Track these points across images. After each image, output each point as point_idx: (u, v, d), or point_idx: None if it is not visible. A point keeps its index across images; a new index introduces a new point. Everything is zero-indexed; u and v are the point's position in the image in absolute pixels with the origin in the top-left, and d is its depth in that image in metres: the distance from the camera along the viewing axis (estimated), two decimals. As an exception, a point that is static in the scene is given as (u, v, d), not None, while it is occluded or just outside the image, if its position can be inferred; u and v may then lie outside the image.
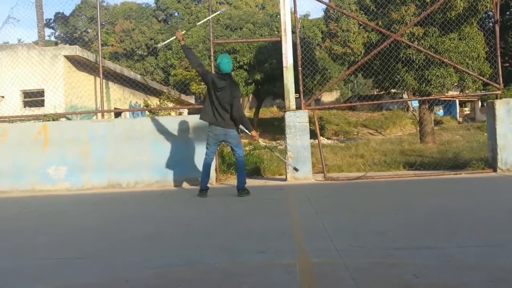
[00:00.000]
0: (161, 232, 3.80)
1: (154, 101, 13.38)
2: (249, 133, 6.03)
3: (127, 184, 7.32)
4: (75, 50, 11.41)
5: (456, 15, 13.86)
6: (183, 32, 6.07)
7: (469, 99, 38.27)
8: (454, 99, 34.89)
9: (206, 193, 5.85)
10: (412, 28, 14.49)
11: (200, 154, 6.62)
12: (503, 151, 7.17)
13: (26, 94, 11.50)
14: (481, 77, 10.54)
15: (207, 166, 5.94)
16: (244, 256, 2.89)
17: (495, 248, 2.85)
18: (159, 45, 7.84)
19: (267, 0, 42.11)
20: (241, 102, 5.80)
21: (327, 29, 17.91)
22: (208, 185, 5.94)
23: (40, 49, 11.54)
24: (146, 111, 11.88)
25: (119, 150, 7.38)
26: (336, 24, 16.74)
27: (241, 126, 5.96)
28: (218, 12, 7.73)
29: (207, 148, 5.95)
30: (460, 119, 35.90)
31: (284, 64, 7.51)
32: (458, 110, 39.03)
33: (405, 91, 17.85)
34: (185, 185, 7.22)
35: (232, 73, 5.94)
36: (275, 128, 24.02)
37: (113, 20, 37.84)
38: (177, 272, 2.61)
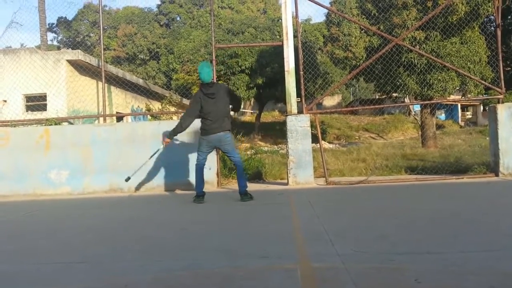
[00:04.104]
0: (161, 237, 3.79)
1: (156, 105, 13.42)
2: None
3: (128, 188, 7.31)
4: (78, 55, 11.47)
5: (457, 19, 13.88)
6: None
7: (471, 103, 38.25)
8: (456, 103, 34.85)
9: (203, 199, 5.75)
10: (414, 33, 14.50)
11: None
12: (505, 156, 7.14)
13: (29, 98, 11.56)
14: (483, 81, 10.52)
15: (200, 170, 5.88)
16: (244, 260, 2.88)
17: (496, 253, 2.83)
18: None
19: (269, 4, 42.28)
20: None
21: (329, 33, 17.95)
22: (210, 190, 5.90)
23: (42, 53, 11.61)
24: (148, 115, 11.92)
25: (120, 154, 7.38)
26: (337, 29, 16.78)
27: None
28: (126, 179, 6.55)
29: (199, 154, 5.92)
30: (462, 123, 35.87)
31: (285, 68, 7.51)
32: (460, 114, 38.98)
33: (407, 95, 17.84)
34: (186, 189, 7.20)
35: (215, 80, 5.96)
36: (276, 132, 24.03)
37: (116, 25, 38.04)
38: (177, 276, 2.61)
